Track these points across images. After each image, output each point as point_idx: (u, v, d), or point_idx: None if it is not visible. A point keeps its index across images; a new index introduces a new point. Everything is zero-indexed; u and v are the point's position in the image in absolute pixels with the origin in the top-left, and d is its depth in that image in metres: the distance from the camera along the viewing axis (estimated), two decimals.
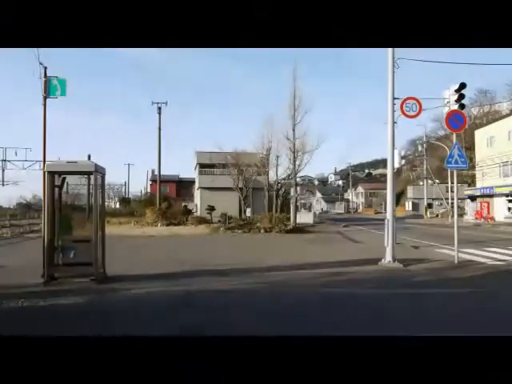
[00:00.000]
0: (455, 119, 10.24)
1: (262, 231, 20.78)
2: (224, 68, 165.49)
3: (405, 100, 10.23)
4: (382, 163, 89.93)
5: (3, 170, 35.06)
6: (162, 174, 32.31)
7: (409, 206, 58.50)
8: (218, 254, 12.35)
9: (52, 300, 6.11)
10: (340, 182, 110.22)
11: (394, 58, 10.20)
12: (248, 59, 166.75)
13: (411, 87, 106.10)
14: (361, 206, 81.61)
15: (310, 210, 36.30)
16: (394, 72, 10.24)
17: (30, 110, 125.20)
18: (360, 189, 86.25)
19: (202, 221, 27.49)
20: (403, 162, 61.45)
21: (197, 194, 37.37)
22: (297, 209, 28.96)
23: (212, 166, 34.18)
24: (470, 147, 42.87)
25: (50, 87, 11.71)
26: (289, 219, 24.20)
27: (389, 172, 10.64)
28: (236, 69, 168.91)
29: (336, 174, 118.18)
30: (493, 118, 45.23)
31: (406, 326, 4.96)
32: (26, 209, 38.58)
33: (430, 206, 49.33)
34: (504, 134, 33.24)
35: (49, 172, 7.38)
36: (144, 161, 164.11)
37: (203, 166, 34.97)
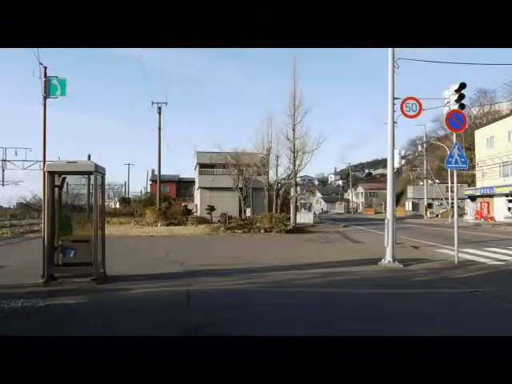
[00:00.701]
0: (455, 119, 10.25)
1: (262, 231, 20.77)
2: (224, 67, 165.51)
3: (405, 100, 10.24)
4: (382, 163, 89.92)
5: (3, 170, 35.17)
6: (161, 173, 32.30)
7: (409, 206, 58.48)
8: (218, 254, 12.36)
9: (52, 300, 6.11)
10: (340, 182, 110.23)
11: (394, 57, 10.21)
12: (248, 59, 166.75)
13: (411, 87, 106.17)
14: (361, 206, 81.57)
15: (309, 210, 36.31)
16: (393, 72, 10.25)
17: (29, 110, 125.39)
18: (360, 189, 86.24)
19: (202, 221, 27.51)
20: (403, 161, 61.50)
21: (197, 194, 37.37)
22: (297, 209, 28.96)
23: (212, 165, 34.19)
24: (470, 147, 42.88)
25: (50, 87, 11.71)
26: (289, 219, 24.20)
27: (389, 172, 10.65)
28: (236, 68, 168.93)
29: (336, 174, 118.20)
30: (493, 118, 45.21)
31: (405, 326, 4.97)
32: (26, 209, 38.54)
33: (429, 206, 49.33)
34: (504, 134, 33.24)
35: (49, 172, 7.38)
36: (144, 161, 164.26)
37: (203, 166, 34.98)
